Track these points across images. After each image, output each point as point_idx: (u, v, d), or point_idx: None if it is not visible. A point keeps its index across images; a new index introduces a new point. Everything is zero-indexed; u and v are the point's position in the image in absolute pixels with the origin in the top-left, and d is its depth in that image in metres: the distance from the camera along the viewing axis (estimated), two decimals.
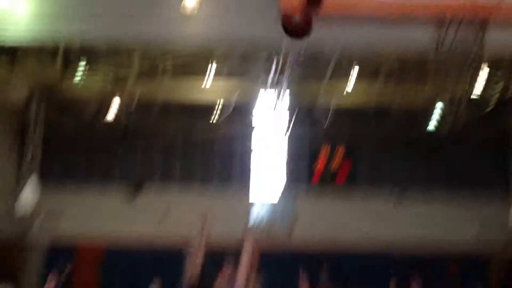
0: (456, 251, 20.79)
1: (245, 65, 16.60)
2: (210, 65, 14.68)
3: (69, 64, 15.05)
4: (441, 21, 4.01)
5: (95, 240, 20.94)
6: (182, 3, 8.00)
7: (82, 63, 14.60)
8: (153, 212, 21.21)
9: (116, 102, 17.35)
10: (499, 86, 15.29)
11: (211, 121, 20.83)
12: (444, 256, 20.91)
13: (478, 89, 15.29)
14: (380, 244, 21.11)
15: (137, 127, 21.33)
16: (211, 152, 22.35)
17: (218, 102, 19.68)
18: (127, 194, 21.51)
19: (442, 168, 22.58)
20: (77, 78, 14.64)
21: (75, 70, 14.68)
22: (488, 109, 17.61)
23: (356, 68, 14.88)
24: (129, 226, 20.98)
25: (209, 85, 16.01)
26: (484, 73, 14.74)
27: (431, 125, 20.42)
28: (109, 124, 20.37)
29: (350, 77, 15.20)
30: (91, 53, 14.85)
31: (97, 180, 21.81)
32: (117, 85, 15.25)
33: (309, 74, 17.43)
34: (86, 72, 14.90)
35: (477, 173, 22.46)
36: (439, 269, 20.67)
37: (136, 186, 21.65)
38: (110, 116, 18.71)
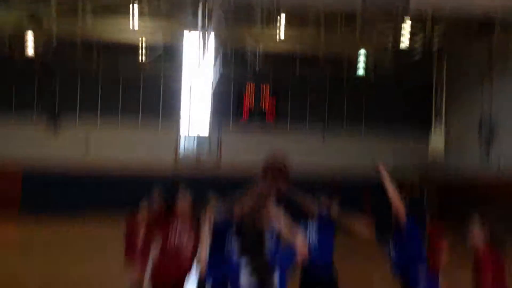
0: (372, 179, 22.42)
1: (173, 6, 16.09)
2: (134, 4, 14.03)
3: None
4: None
5: (15, 165, 21.13)
6: None
7: None
8: (74, 141, 21.48)
9: (34, 37, 16.43)
10: (422, 38, 15.62)
11: (138, 60, 20.60)
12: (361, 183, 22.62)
13: (403, 39, 15.54)
14: (305, 172, 22.45)
15: (59, 63, 20.81)
16: (137, 88, 22.29)
17: (144, 42, 19.20)
18: (48, 124, 21.45)
19: (362, 106, 23.57)
20: None
21: None
22: (414, 59, 18.11)
23: (283, 15, 14.69)
24: (49, 153, 21.23)
25: (135, 25, 15.39)
26: (407, 25, 14.95)
27: (358, 69, 20.95)
28: (27, 58, 19.65)
29: (278, 24, 15.01)
30: None
31: (17, 111, 21.51)
32: (35, 21, 14.37)
33: (238, 18, 17.18)
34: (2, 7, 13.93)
35: (400, 112, 23.64)
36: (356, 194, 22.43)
37: (56, 116, 21.55)
38: (29, 51, 17.90)
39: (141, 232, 3.76)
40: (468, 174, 21.20)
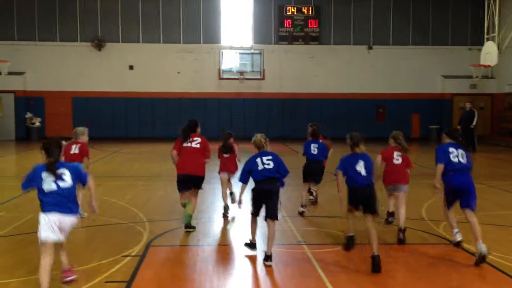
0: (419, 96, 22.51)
1: None
2: None
3: None
4: None
5: (64, 91, 21.64)
6: None
7: None
8: (116, 66, 21.66)
9: None
10: None
11: None
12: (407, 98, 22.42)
13: None
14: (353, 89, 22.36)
15: None
16: (177, 4, 21.95)
17: None
18: (91, 49, 21.59)
19: (408, 22, 22.67)
20: None
21: None
22: None
23: None
24: (93, 79, 21.61)
25: None
26: None
27: None
28: None
29: None
30: None
31: (61, 39, 21.69)
32: None
33: None
34: None
35: (447, 27, 22.63)
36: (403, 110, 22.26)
37: (99, 42, 21.53)
38: None
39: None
40: None
